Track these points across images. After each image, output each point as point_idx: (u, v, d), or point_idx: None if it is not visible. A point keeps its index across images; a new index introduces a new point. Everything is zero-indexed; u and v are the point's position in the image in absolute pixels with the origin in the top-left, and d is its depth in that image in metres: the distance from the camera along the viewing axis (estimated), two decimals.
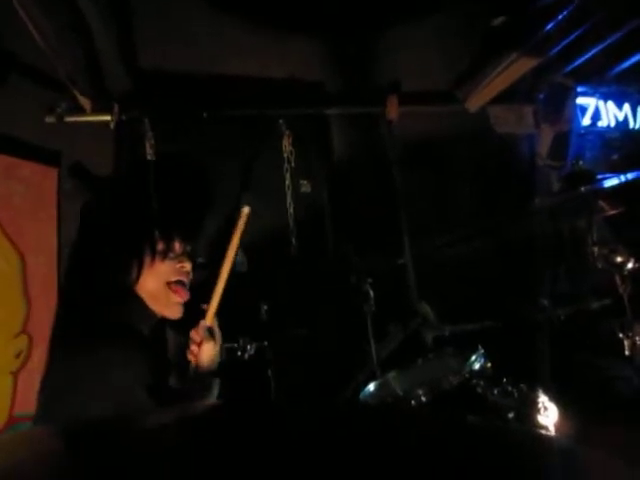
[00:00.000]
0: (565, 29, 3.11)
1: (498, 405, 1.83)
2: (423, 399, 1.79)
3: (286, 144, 2.99)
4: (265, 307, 2.56)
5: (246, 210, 1.75)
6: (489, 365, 2.02)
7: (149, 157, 2.74)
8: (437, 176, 3.36)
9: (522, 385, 1.88)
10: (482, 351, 2.05)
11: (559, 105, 3.58)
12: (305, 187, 3.06)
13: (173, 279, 1.68)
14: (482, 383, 1.88)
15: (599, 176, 2.41)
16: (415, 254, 3.01)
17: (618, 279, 1.53)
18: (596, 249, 1.56)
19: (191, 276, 1.74)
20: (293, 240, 2.94)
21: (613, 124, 3.98)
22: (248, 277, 2.02)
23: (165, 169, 2.54)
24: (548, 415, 1.81)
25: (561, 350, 2.54)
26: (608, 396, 2.23)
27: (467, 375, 1.90)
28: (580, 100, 3.90)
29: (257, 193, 2.16)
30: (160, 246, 1.65)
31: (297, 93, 3.25)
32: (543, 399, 1.84)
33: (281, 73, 3.19)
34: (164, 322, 1.73)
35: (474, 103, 3.52)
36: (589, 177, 1.81)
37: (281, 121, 3.01)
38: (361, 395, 2.15)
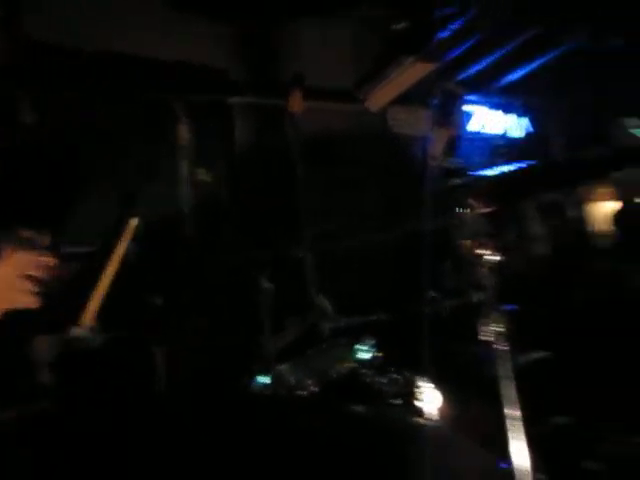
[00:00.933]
0: (457, 39, 3.32)
1: (384, 392, 1.92)
2: (313, 388, 1.83)
3: (183, 130, 2.89)
4: (158, 299, 2.47)
5: (134, 222, 1.65)
6: (379, 355, 2.12)
7: (21, 137, 2.49)
8: (337, 171, 3.43)
9: (407, 373, 1.99)
10: (372, 342, 2.14)
11: (450, 110, 3.82)
12: (204, 176, 2.98)
13: (27, 273, 1.52)
14: (370, 372, 1.96)
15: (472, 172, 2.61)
16: (313, 248, 3.06)
17: (483, 271, 1.66)
18: (465, 243, 1.68)
19: (55, 271, 1.59)
20: (189, 230, 2.85)
21: (499, 132, 4.34)
22: (141, 267, 1.93)
23: (41, 151, 2.34)
24: (431, 400, 1.93)
25: (445, 340, 2.73)
26: (478, 380, 2.42)
27: (356, 365, 1.97)
28: (470, 108, 4.20)
29: (151, 185, 2.07)
30: (18, 235, 1.49)
31: (198, 79, 3.15)
32: (426, 385, 1.96)
33: (182, 56, 3.07)
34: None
35: (374, 103, 3.64)
36: (461, 173, 1.94)
37: (178, 106, 2.90)
38: (255, 386, 2.15)
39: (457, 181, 1.77)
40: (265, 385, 2.15)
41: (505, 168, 1.77)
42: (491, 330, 1.54)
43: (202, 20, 3.04)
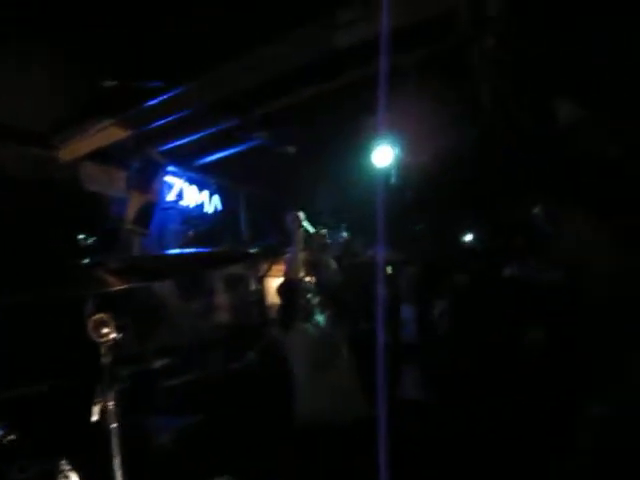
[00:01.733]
0: (162, 111, 3.49)
1: None
2: None
3: None
4: None
5: None
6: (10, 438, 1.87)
7: None
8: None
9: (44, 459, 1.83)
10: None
11: (149, 177, 3.90)
12: None
13: None
14: None
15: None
16: None
17: (103, 349, 1.72)
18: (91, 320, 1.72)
19: None
20: None
21: (193, 205, 4.62)
22: None
23: None
24: None
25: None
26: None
27: None
28: (169, 179, 4.37)
29: None
30: None
31: None
32: (66, 468, 1.83)
33: None
34: None
35: (68, 154, 3.45)
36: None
37: None
38: None
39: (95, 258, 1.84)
40: None
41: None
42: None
43: None
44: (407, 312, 3.67)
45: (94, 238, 3.38)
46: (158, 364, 3.69)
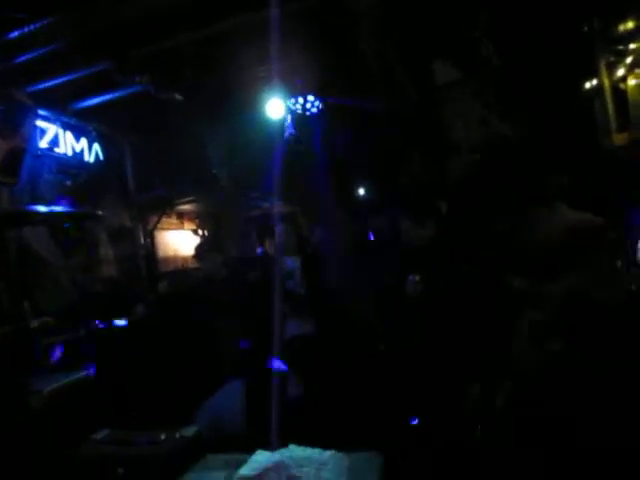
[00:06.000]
0: (26, 45, 3.14)
1: None
2: None
3: None
4: None
5: None
6: None
7: None
8: None
9: None
10: None
11: (15, 121, 3.54)
12: None
13: None
14: None
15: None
16: None
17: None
18: None
19: None
20: None
21: (70, 153, 4.27)
22: None
23: None
24: None
25: None
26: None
27: None
28: (41, 123, 3.99)
29: None
30: None
31: None
32: None
33: None
34: None
35: None
36: None
37: None
38: None
39: None
40: None
41: None
42: None
43: None
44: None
45: None
46: (36, 323, 3.49)
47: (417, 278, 2.38)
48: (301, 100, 4.96)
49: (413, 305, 2.27)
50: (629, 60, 3.94)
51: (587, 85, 4.16)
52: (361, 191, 7.70)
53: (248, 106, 4.30)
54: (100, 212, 4.12)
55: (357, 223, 3.29)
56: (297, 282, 3.38)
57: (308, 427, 1.83)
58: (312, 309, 2.56)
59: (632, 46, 3.90)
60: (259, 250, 3.50)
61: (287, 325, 2.59)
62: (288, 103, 4.59)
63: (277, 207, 2.26)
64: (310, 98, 5.00)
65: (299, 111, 5.03)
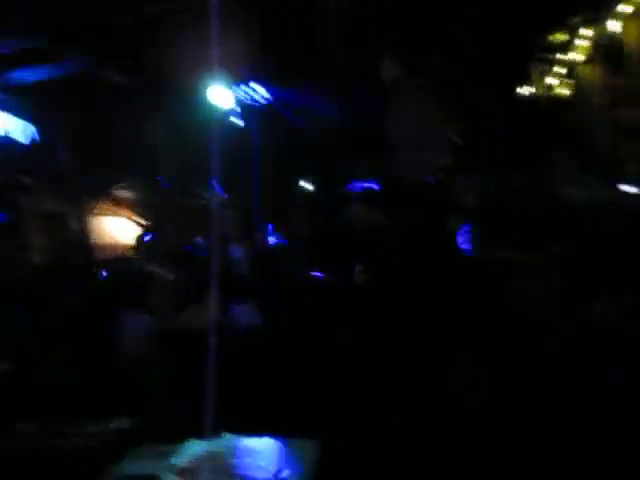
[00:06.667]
0: None
1: None
2: None
3: None
4: None
5: None
6: None
7: None
8: None
9: None
10: None
11: None
12: None
13: None
14: None
15: None
16: None
17: None
18: None
19: None
20: None
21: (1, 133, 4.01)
22: None
23: None
24: None
25: None
26: None
27: None
28: None
29: None
30: None
31: None
32: None
33: None
34: None
35: None
36: None
37: None
38: None
39: None
40: None
41: None
42: None
43: None
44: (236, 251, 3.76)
45: None
46: None
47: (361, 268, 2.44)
48: (247, 88, 4.91)
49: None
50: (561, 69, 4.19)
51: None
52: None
53: (189, 92, 4.20)
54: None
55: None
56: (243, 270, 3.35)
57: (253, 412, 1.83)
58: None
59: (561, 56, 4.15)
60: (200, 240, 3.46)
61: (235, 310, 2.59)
62: (234, 91, 4.53)
63: (218, 198, 2.24)
64: (257, 87, 4.95)
65: (247, 100, 4.99)
